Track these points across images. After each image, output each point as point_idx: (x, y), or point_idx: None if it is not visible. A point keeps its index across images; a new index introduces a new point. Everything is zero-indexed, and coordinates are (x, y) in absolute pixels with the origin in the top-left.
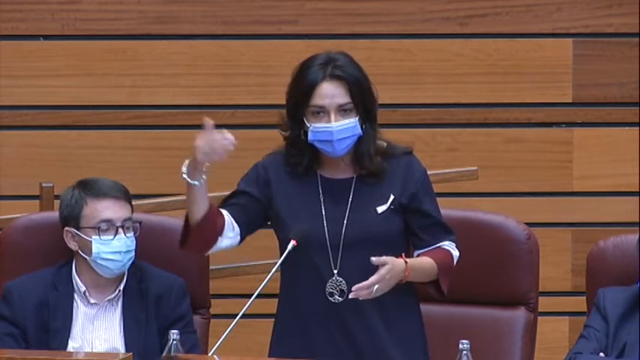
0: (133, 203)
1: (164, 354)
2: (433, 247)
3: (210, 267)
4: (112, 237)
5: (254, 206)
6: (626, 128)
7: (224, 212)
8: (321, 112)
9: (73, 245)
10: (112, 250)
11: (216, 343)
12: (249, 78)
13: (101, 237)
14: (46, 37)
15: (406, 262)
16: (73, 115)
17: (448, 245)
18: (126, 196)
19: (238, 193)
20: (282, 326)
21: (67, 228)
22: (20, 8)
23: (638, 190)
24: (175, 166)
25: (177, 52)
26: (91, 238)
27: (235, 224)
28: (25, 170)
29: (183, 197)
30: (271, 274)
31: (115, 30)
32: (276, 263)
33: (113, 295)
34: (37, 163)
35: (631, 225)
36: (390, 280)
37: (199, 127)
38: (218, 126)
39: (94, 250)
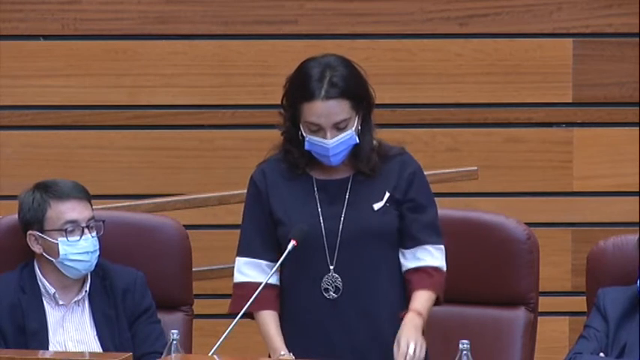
0: (133, 203)
1: (164, 354)
2: (417, 264)
3: (211, 267)
4: (78, 238)
5: (267, 225)
6: (626, 128)
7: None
8: (317, 128)
9: (37, 248)
10: (80, 250)
11: (216, 343)
12: (248, 78)
13: (68, 238)
14: (46, 37)
15: (420, 314)
16: (73, 115)
17: (431, 257)
18: (87, 196)
19: (252, 225)
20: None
21: (30, 232)
22: (20, 8)
23: (638, 190)
24: (175, 166)
25: (177, 52)
26: (57, 240)
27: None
28: (25, 170)
29: (184, 197)
30: (271, 273)
31: (115, 30)
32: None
33: (80, 297)
34: (37, 163)
35: (631, 225)
36: (417, 338)
37: (199, 127)
38: (218, 126)
39: (61, 252)
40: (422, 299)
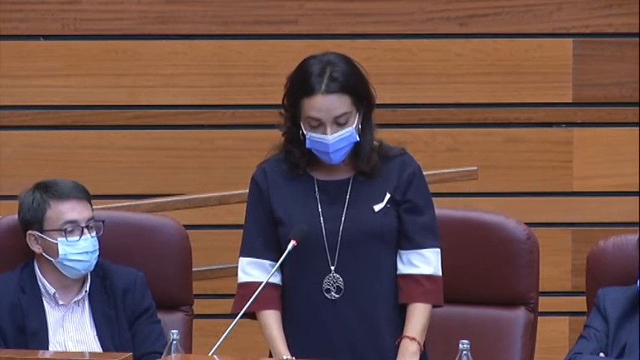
0: (133, 203)
1: (164, 354)
2: (410, 270)
3: (211, 267)
4: (77, 238)
5: (269, 224)
6: (626, 128)
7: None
8: (318, 124)
9: (36, 248)
10: (79, 250)
11: (216, 343)
12: (248, 78)
13: (67, 238)
14: (46, 37)
15: (414, 339)
16: (73, 115)
17: (426, 264)
18: (87, 196)
19: (255, 225)
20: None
21: (30, 231)
22: (20, 8)
23: (638, 190)
24: (175, 166)
25: (177, 52)
26: (56, 240)
27: (275, 272)
28: (25, 170)
29: (183, 197)
30: (271, 273)
31: (115, 30)
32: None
33: (80, 297)
34: (37, 163)
35: (631, 225)
36: None
37: (199, 127)
38: (218, 126)
39: (60, 252)
40: (415, 321)
